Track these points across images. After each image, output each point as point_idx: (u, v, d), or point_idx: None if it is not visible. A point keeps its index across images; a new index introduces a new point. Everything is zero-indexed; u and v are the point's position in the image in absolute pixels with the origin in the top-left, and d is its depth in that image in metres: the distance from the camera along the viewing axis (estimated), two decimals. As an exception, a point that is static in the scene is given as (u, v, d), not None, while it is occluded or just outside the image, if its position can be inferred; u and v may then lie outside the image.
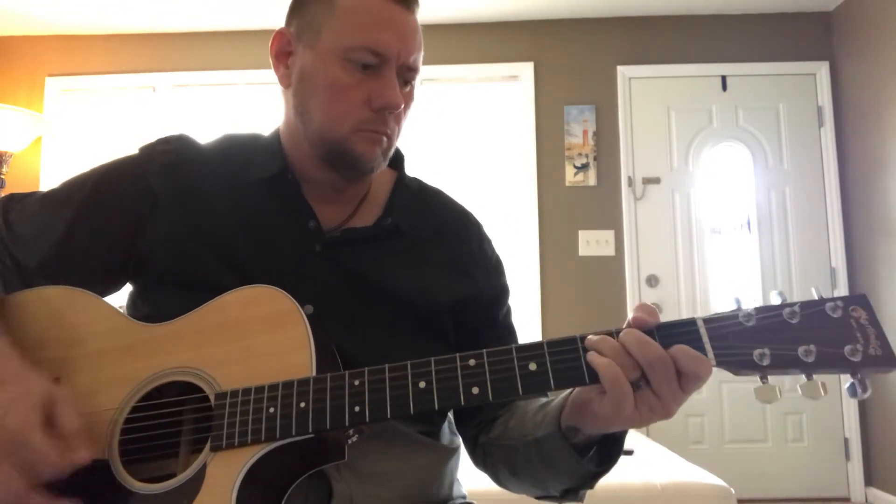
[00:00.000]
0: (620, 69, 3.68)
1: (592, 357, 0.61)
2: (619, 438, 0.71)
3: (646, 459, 1.99)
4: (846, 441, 3.36)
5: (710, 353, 0.60)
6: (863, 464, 3.33)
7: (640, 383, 0.61)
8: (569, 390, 0.69)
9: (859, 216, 3.43)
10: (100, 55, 3.81)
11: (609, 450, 0.71)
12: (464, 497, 0.90)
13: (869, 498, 3.29)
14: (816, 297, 0.61)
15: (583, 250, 3.56)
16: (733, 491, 1.71)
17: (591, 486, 0.73)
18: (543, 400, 0.78)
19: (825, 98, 3.59)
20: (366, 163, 0.81)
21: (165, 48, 3.81)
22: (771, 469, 3.36)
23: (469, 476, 0.95)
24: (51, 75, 3.80)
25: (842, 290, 3.43)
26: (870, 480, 3.31)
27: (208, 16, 3.66)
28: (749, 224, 3.59)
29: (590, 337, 0.63)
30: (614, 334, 0.62)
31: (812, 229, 3.54)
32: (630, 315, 0.63)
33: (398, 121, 0.83)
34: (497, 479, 0.86)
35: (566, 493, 0.75)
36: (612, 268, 3.55)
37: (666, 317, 0.60)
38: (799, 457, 3.37)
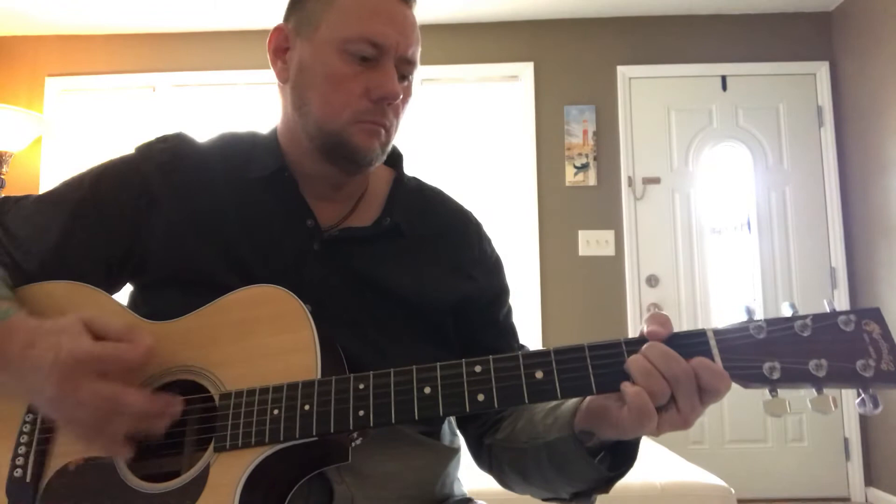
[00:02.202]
0: (620, 69, 3.68)
1: (625, 386, 0.60)
2: (632, 443, 0.70)
3: (646, 459, 1.98)
4: (846, 441, 3.36)
5: (719, 366, 0.60)
6: (863, 464, 3.33)
7: (669, 405, 0.60)
8: None
9: (859, 216, 3.43)
10: (100, 55, 3.81)
11: (621, 453, 0.71)
12: (464, 495, 0.90)
13: (869, 498, 3.29)
14: (828, 310, 0.60)
15: (583, 250, 3.56)
16: (733, 491, 1.71)
17: (607, 491, 0.72)
18: (553, 402, 0.77)
19: (825, 98, 3.59)
20: (364, 155, 0.81)
21: (165, 48, 3.80)
22: (771, 469, 3.36)
23: (470, 475, 0.95)
24: (51, 75, 3.80)
25: (842, 290, 3.43)
26: (870, 480, 3.31)
27: (208, 16, 3.66)
28: (749, 224, 3.59)
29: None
30: (622, 344, 0.62)
31: (812, 229, 3.54)
32: (644, 325, 0.63)
33: (396, 114, 0.83)
34: (502, 480, 0.86)
35: (576, 496, 0.75)
36: (612, 268, 3.55)
37: (666, 317, 0.60)
38: (799, 457, 3.37)
